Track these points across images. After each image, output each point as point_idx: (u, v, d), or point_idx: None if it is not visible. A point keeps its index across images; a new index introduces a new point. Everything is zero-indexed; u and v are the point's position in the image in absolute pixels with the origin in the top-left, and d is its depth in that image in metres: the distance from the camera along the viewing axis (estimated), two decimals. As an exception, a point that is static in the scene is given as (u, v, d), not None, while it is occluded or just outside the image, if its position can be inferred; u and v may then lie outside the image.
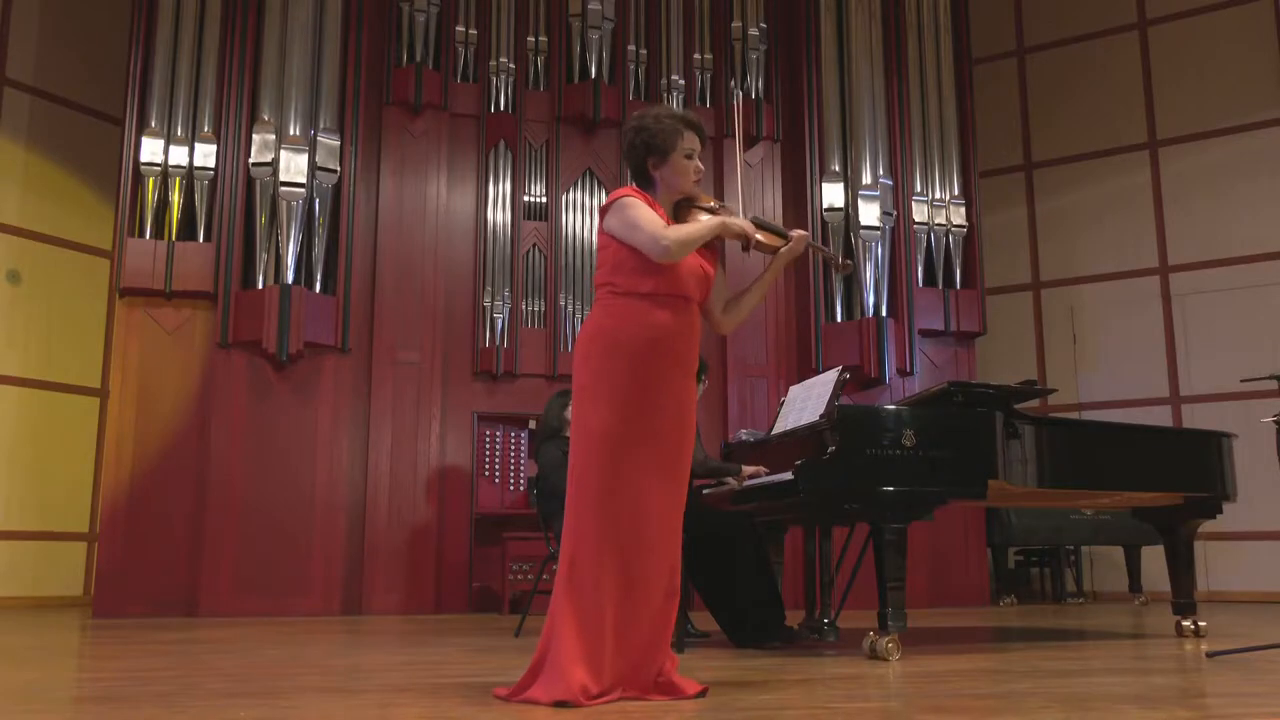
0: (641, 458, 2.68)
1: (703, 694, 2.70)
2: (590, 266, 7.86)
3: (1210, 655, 3.70)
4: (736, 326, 3.06)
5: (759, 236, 2.94)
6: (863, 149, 8.31)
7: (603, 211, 2.83)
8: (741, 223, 2.86)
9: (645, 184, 2.92)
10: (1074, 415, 8.87)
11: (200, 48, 7.47)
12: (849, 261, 3.24)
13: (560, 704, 2.49)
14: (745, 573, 4.42)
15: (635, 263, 2.74)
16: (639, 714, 2.44)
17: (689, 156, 2.88)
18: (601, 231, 2.82)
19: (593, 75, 8.16)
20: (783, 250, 2.98)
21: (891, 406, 3.86)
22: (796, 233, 3.03)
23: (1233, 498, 4.59)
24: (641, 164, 2.89)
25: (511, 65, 8.16)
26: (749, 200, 8.38)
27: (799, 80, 8.58)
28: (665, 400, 2.73)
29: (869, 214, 8.15)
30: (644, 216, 2.75)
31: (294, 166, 7.22)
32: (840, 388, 4.08)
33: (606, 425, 2.68)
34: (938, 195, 8.49)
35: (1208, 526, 4.88)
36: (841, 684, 3.03)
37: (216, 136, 7.34)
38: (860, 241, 8.11)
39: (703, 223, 2.82)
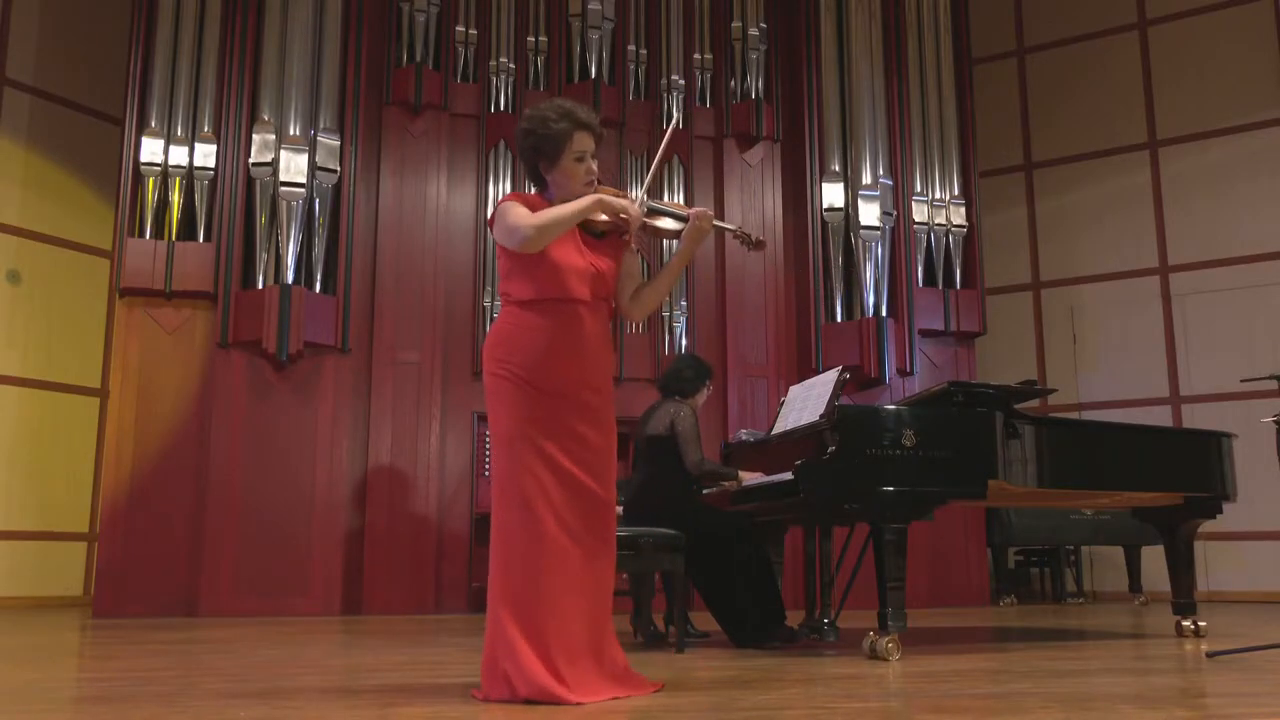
0: (561, 455, 2.69)
1: (658, 690, 2.76)
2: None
3: (1210, 655, 3.70)
4: (646, 314, 3.02)
5: (657, 224, 2.87)
6: (863, 149, 8.31)
7: (490, 222, 2.84)
8: (621, 203, 2.71)
9: (540, 185, 2.91)
10: (1074, 415, 8.87)
11: (200, 48, 7.47)
12: (762, 239, 3.10)
13: (530, 701, 2.54)
14: (745, 572, 4.42)
15: (517, 272, 2.76)
16: (638, 714, 2.44)
17: (579, 159, 2.80)
18: (497, 242, 2.82)
19: (593, 75, 8.16)
20: (687, 231, 2.89)
21: (891, 406, 3.86)
22: (696, 210, 2.92)
23: (1233, 498, 4.59)
24: (534, 167, 2.87)
25: (511, 65, 8.15)
26: (750, 203, 8.40)
27: (799, 80, 8.58)
28: (575, 398, 2.73)
29: (869, 214, 8.15)
30: (510, 215, 2.73)
31: (294, 166, 7.21)
32: (840, 388, 4.08)
33: (509, 430, 2.71)
34: (938, 195, 8.49)
35: (1208, 526, 4.88)
36: (841, 684, 3.03)
37: (216, 136, 7.33)
38: (860, 241, 8.11)
39: (570, 204, 2.72)
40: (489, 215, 2.80)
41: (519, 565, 2.65)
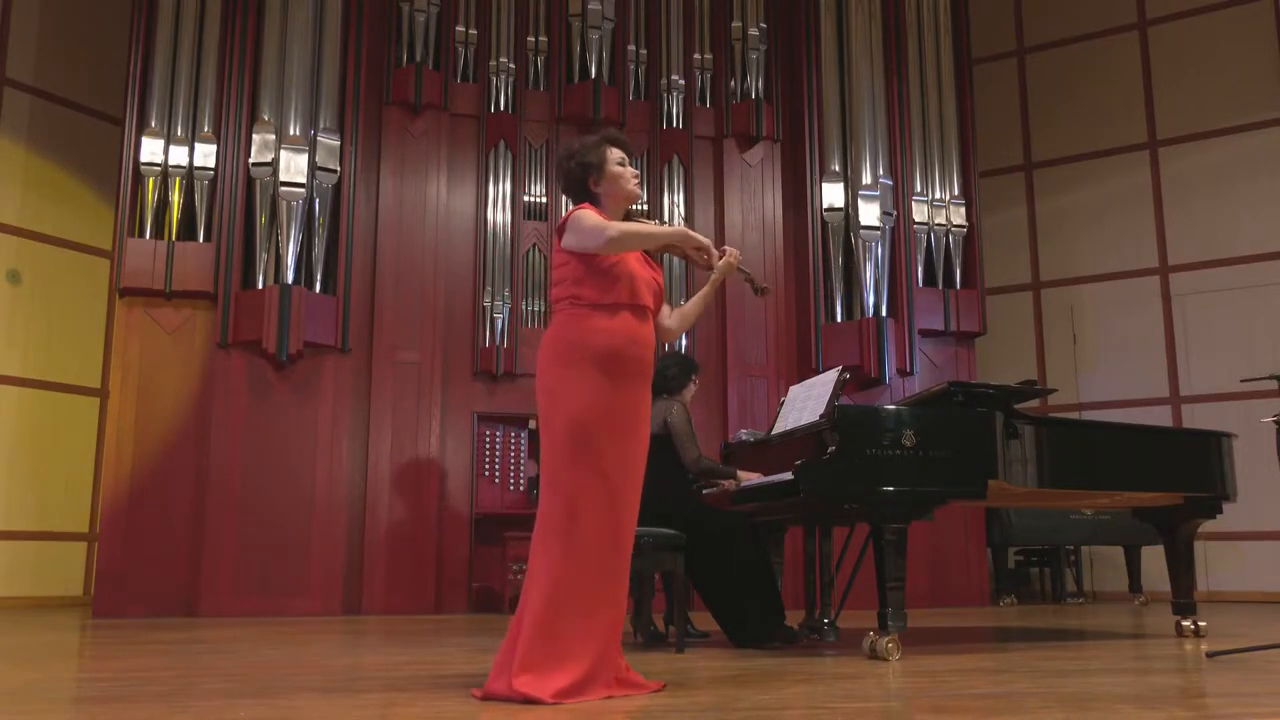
0: (612, 458, 2.80)
1: (659, 690, 2.82)
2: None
3: (1210, 655, 3.70)
4: (677, 336, 3.29)
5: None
6: (863, 149, 8.31)
7: (558, 231, 2.97)
8: (704, 240, 2.99)
9: (590, 203, 3.06)
10: (1074, 415, 8.87)
11: (200, 48, 7.47)
12: (767, 286, 3.39)
13: (529, 700, 2.55)
14: (745, 572, 4.42)
15: (593, 277, 2.88)
16: (638, 714, 2.44)
17: (621, 164, 3.05)
18: (559, 250, 2.96)
19: (593, 75, 8.16)
20: (720, 265, 3.11)
21: (891, 406, 3.86)
22: (729, 250, 3.16)
23: (1233, 498, 4.59)
24: (584, 186, 3.05)
25: (511, 65, 8.15)
26: (750, 203, 8.40)
27: (799, 80, 8.58)
28: (626, 404, 2.86)
29: (869, 214, 8.15)
30: (591, 218, 2.91)
31: (294, 166, 7.21)
32: (840, 388, 4.08)
33: (578, 427, 2.78)
34: (938, 195, 8.49)
35: (1208, 526, 4.88)
36: (841, 684, 3.03)
37: (216, 136, 7.34)
38: (860, 241, 8.11)
39: (659, 227, 3.00)
40: (558, 223, 2.93)
41: (558, 566, 2.71)
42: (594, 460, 2.76)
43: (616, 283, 2.88)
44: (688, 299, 3.30)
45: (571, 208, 3.02)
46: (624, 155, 3.06)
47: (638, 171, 3.13)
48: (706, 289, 3.21)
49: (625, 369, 2.85)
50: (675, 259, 3.25)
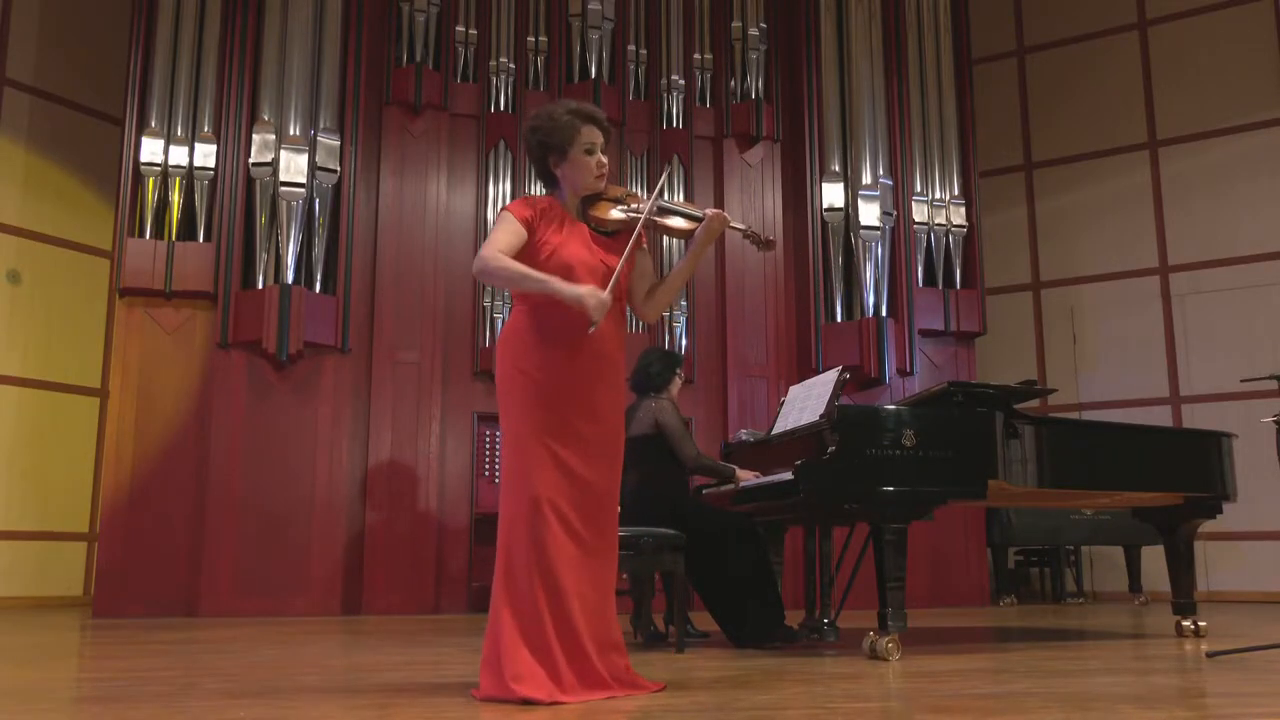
0: (567, 454, 2.72)
1: (660, 690, 2.78)
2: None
3: (1210, 655, 3.70)
4: (660, 313, 3.04)
5: (669, 223, 2.87)
6: (863, 149, 8.31)
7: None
8: (596, 302, 2.63)
9: (550, 185, 2.92)
10: (1074, 415, 8.87)
11: (200, 48, 7.47)
12: (771, 238, 3.10)
13: (528, 701, 2.54)
14: (744, 572, 4.42)
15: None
16: (638, 714, 2.44)
17: (589, 151, 2.83)
18: None
19: (593, 75, 8.16)
20: (699, 233, 2.91)
21: (891, 406, 3.86)
22: (710, 212, 2.93)
23: (1233, 498, 4.59)
24: (544, 165, 2.88)
25: (511, 65, 8.15)
26: (750, 203, 8.40)
27: (799, 80, 8.58)
28: (584, 397, 2.76)
29: (869, 214, 8.15)
30: (497, 234, 2.75)
31: (294, 166, 7.21)
32: (840, 388, 4.07)
33: (529, 425, 2.72)
34: (938, 195, 8.49)
35: (1208, 526, 4.88)
36: (841, 684, 3.03)
37: (216, 136, 7.33)
38: (860, 241, 8.11)
39: (543, 279, 2.68)
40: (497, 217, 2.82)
41: (522, 564, 2.67)
42: (546, 462, 2.69)
43: (553, 275, 2.71)
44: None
45: (507, 204, 2.92)
46: (598, 140, 2.84)
47: (605, 161, 2.85)
48: (688, 259, 2.94)
49: (571, 365, 2.75)
50: (666, 236, 3.02)
